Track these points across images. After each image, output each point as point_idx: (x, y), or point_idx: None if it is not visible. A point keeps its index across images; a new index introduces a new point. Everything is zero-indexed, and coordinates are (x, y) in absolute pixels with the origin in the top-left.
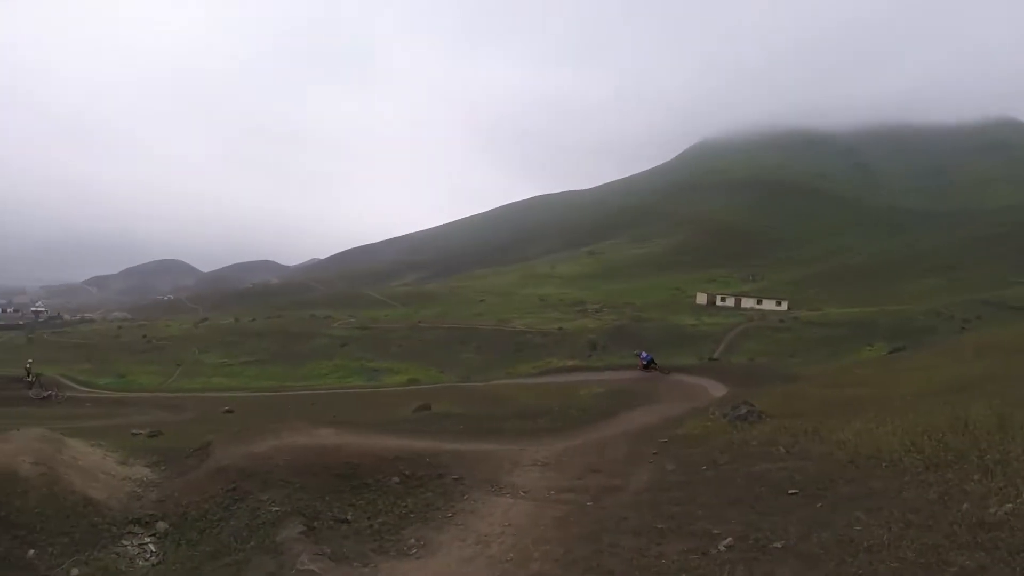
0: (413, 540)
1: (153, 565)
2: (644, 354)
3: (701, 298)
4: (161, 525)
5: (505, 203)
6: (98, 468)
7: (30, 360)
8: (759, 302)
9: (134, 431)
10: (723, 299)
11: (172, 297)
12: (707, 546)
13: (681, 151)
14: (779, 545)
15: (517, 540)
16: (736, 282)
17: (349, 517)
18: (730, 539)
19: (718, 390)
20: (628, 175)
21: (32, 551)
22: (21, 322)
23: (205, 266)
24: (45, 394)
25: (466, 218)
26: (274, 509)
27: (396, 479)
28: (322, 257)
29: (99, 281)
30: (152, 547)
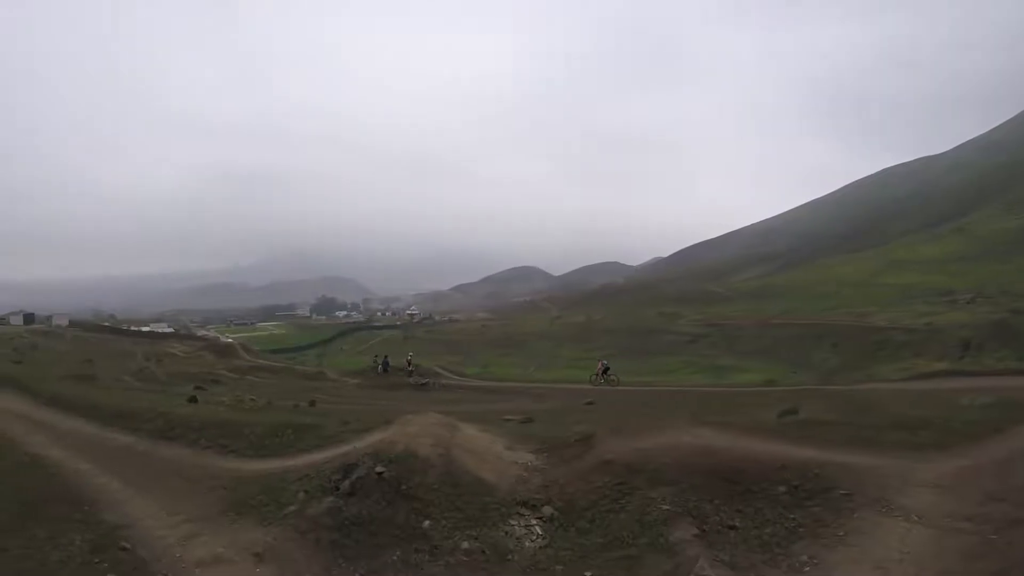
0: (805, 557)
1: (540, 547)
2: (603, 362)
3: None
4: (547, 509)
5: (852, 180)
6: (487, 451)
7: (411, 353)
8: None
9: (506, 417)
10: None
11: (528, 299)
12: None
13: None
14: None
15: (918, 571)
16: None
17: (737, 524)
18: None
19: None
20: (990, 128)
21: (427, 522)
22: (398, 323)
23: (556, 270)
24: (423, 382)
25: (811, 202)
26: (664, 508)
27: (783, 488)
28: (665, 255)
29: (462, 288)
30: (539, 529)
